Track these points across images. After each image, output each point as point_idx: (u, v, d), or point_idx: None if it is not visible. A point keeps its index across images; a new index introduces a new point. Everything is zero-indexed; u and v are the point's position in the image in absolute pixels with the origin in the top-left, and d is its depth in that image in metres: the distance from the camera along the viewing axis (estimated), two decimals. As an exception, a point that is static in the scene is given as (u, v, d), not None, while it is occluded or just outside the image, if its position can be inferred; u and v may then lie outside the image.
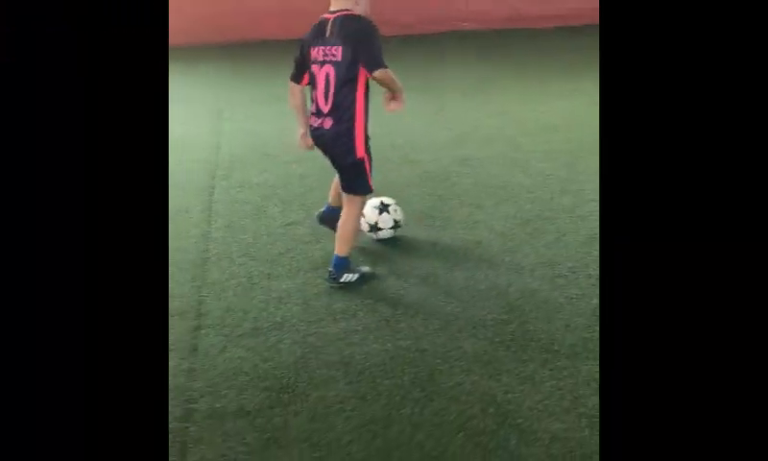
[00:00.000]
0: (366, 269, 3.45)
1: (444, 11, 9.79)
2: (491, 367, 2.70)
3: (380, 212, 3.70)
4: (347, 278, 3.34)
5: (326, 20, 3.18)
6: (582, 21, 9.98)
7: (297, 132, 3.42)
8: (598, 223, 3.76)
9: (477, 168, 4.75)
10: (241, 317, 3.10)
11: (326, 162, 3.39)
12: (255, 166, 4.87)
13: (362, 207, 3.43)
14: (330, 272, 3.34)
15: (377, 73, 3.08)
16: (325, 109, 3.18)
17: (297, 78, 3.33)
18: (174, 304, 3.17)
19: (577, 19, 10.06)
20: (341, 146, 3.21)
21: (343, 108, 3.15)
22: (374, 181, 3.35)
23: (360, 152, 3.22)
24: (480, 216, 4.04)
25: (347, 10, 3.15)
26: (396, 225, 3.75)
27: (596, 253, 3.58)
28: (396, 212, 3.74)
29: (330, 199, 3.65)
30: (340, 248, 3.34)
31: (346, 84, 3.13)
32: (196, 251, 3.72)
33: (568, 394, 2.54)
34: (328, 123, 3.19)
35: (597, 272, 3.39)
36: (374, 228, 3.71)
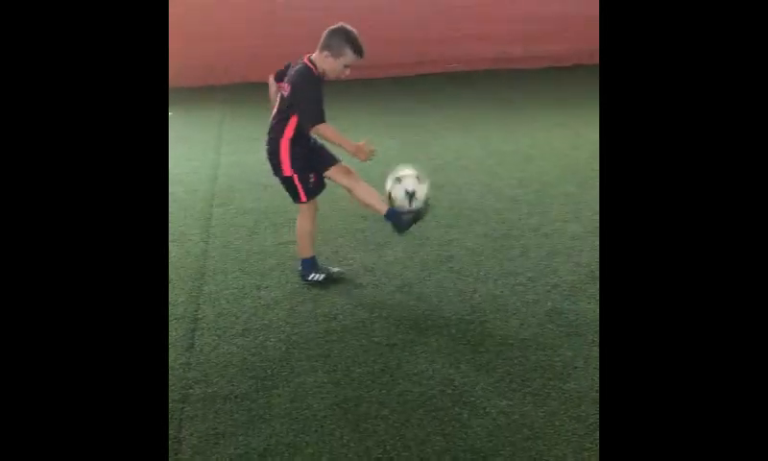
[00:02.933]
0: (336, 269, 3.90)
1: (435, 53, 10.30)
2: (451, 357, 3.07)
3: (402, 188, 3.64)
4: (313, 276, 3.81)
5: (299, 60, 3.60)
6: (569, 62, 10.48)
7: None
8: (560, 240, 4.15)
9: (454, 194, 5.15)
10: (233, 320, 3.48)
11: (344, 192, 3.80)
12: (249, 194, 5.28)
13: (309, 215, 3.76)
14: (299, 271, 3.85)
15: (316, 130, 3.54)
16: (268, 128, 3.67)
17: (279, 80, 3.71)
18: (173, 311, 3.54)
19: (564, 60, 10.56)
20: (272, 163, 3.67)
21: (275, 131, 3.61)
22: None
23: (287, 170, 3.63)
24: (454, 235, 4.42)
25: (309, 60, 3.54)
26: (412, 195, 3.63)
27: (555, 264, 3.97)
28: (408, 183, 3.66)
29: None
30: (299, 251, 3.84)
31: (282, 115, 3.58)
32: (194, 267, 4.10)
33: (517, 378, 2.90)
34: (266, 140, 3.68)
35: (555, 280, 3.77)
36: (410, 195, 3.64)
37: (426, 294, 3.69)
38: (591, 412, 2.66)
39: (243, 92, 8.84)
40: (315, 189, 3.74)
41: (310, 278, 3.80)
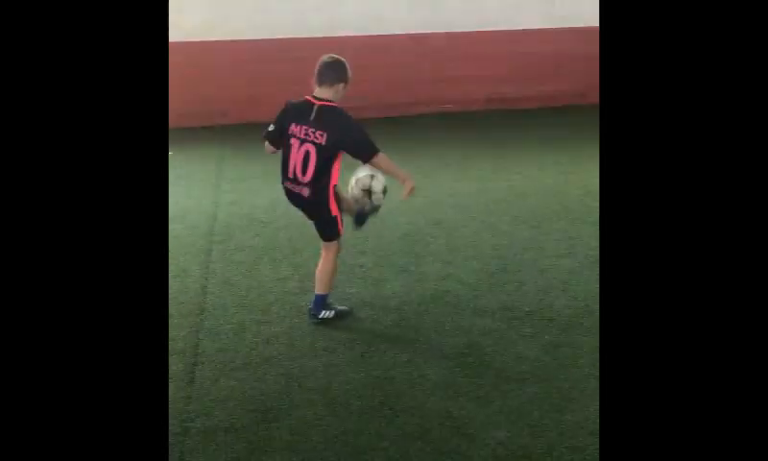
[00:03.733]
0: (343, 308, 3.91)
1: (429, 94, 10.47)
2: (450, 390, 3.10)
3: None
4: (324, 314, 3.82)
5: (311, 105, 3.57)
6: (563, 102, 10.67)
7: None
8: (556, 275, 4.22)
9: (450, 229, 5.22)
10: (233, 355, 3.51)
11: (312, 229, 3.87)
12: (249, 231, 5.34)
13: (336, 253, 3.85)
14: (310, 309, 3.85)
15: (374, 161, 3.59)
16: (304, 179, 3.59)
17: (274, 143, 3.73)
18: (174, 345, 3.57)
19: (558, 100, 10.75)
20: (319, 210, 3.69)
21: (321, 182, 3.58)
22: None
23: (334, 210, 3.69)
24: (450, 270, 4.48)
25: (329, 101, 3.56)
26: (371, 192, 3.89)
27: (551, 298, 4.02)
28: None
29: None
30: (318, 287, 3.83)
31: (326, 162, 3.55)
32: (195, 303, 4.14)
33: (515, 410, 2.94)
34: (306, 192, 3.61)
35: (551, 314, 3.82)
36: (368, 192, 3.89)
37: (424, 328, 3.73)
38: (589, 443, 2.70)
39: (243, 132, 8.97)
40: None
41: (321, 315, 3.80)
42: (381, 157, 3.60)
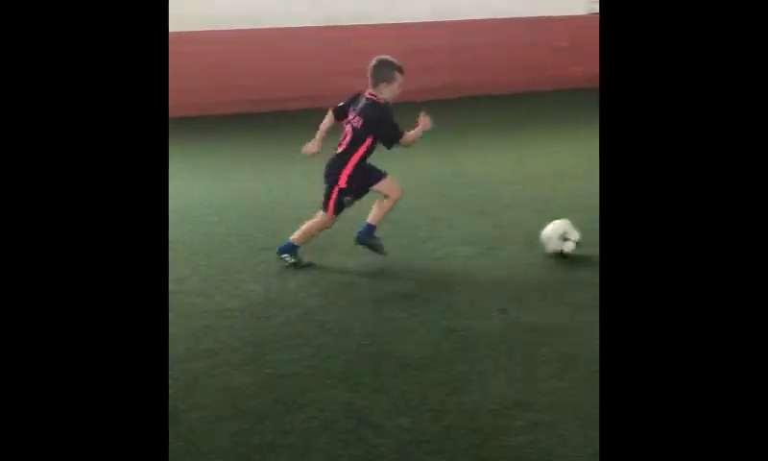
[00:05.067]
0: (306, 262, 4.44)
1: (315, 88, 10.32)
2: (353, 381, 3.15)
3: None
4: (286, 256, 4.44)
5: (362, 97, 4.45)
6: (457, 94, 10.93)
7: (312, 142, 4.59)
8: (452, 262, 4.34)
9: (351, 222, 5.28)
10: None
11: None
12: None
13: (323, 224, 4.48)
14: (279, 247, 4.47)
15: (401, 143, 4.41)
16: (339, 150, 4.45)
17: (337, 117, 4.56)
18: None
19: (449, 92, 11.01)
20: (332, 173, 4.42)
21: (346, 153, 4.40)
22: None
23: (342, 182, 4.37)
24: (351, 262, 4.54)
25: (374, 96, 4.38)
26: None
27: (449, 284, 4.15)
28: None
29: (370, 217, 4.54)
30: (296, 237, 4.43)
31: (356, 141, 4.38)
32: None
33: (416, 395, 3.02)
34: (334, 158, 4.46)
35: (449, 299, 3.94)
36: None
37: (328, 321, 3.76)
38: (488, 421, 2.81)
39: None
40: (339, 211, 4.47)
41: (283, 255, 4.43)
42: (405, 137, 4.39)
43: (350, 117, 4.43)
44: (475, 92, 10.90)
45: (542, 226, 4.55)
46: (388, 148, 4.46)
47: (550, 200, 5.73)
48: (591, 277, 4.24)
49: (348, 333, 3.61)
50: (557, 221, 4.50)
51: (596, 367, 3.11)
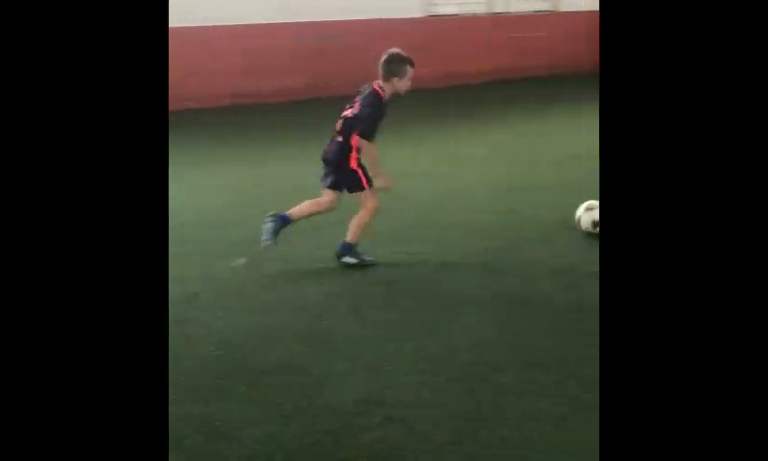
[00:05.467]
0: (369, 258, 4.44)
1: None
2: (204, 393, 3.05)
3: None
4: (348, 259, 4.40)
5: (369, 87, 4.45)
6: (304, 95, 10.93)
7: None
8: (307, 265, 4.32)
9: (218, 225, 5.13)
10: None
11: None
12: None
13: (373, 208, 4.40)
14: (337, 252, 4.42)
15: (359, 141, 4.31)
16: (337, 137, 4.44)
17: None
18: None
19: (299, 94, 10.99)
20: (338, 163, 4.40)
21: (346, 133, 4.38)
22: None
23: (353, 165, 4.38)
24: (196, 271, 4.40)
25: (378, 85, 4.40)
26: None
27: (301, 288, 4.13)
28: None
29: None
30: (349, 235, 4.41)
31: (352, 126, 4.36)
32: None
33: (269, 403, 2.97)
34: (333, 147, 4.44)
35: (302, 303, 3.92)
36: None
37: (174, 334, 3.61)
38: (340, 424, 2.81)
39: None
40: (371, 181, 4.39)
41: (344, 259, 4.41)
42: (370, 145, 4.34)
43: (356, 103, 4.45)
44: (319, 94, 10.97)
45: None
46: (350, 135, 4.36)
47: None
48: (429, 274, 4.40)
49: (197, 344, 3.49)
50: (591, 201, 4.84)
51: (441, 359, 3.26)
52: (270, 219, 4.39)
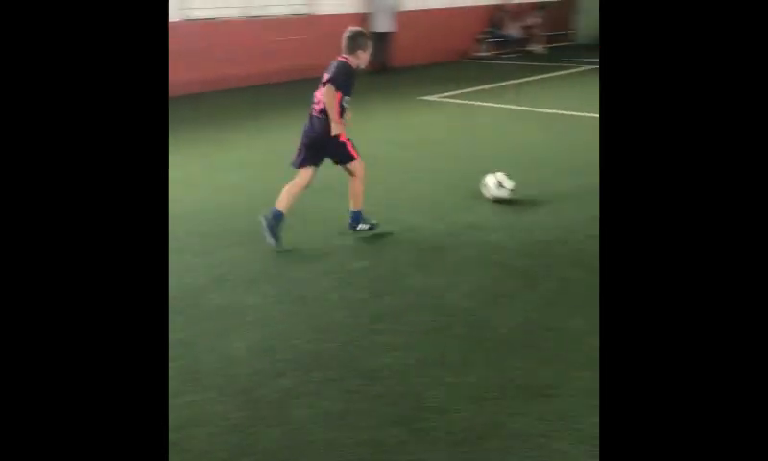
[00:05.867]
0: (374, 221, 4.98)
1: None
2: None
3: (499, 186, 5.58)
4: (361, 227, 4.93)
5: (334, 61, 4.72)
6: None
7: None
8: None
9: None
10: None
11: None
12: None
13: (362, 174, 4.80)
14: (350, 223, 4.93)
15: (326, 89, 4.59)
16: (315, 111, 4.76)
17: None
18: None
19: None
20: (323, 137, 4.67)
21: (324, 112, 4.66)
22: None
23: (342, 137, 4.70)
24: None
25: (344, 57, 4.73)
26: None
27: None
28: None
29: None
30: (354, 204, 4.89)
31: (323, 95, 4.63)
32: None
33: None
34: (314, 124, 4.75)
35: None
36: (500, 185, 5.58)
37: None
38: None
39: None
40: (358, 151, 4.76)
41: (359, 227, 4.91)
42: (334, 93, 4.59)
43: (323, 79, 4.67)
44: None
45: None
46: (323, 85, 4.65)
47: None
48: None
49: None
50: (498, 173, 5.57)
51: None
52: (263, 220, 4.69)
